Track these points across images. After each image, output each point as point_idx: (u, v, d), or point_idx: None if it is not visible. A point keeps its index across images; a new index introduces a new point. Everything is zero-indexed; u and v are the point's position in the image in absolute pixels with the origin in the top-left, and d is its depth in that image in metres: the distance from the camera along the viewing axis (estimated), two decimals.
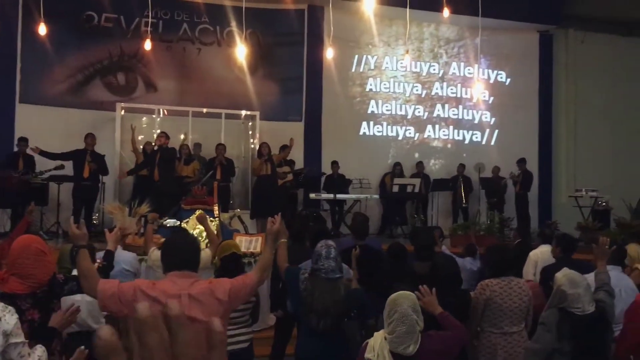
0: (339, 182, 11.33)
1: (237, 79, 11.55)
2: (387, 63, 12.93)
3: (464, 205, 11.86)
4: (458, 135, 13.37)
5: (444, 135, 13.31)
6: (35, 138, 9.42)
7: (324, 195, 11.11)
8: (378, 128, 12.90)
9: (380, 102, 12.90)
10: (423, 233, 5.65)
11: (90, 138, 9.52)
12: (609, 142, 13.59)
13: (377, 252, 5.18)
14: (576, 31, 13.73)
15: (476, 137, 13.44)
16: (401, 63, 12.87)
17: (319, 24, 11.83)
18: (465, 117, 13.42)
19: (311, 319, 3.65)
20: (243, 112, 11.52)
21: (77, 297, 3.20)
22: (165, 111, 11.19)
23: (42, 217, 9.41)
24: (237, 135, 11.71)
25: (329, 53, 8.93)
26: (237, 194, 11.28)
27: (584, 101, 13.73)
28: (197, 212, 6.21)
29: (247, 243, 7.06)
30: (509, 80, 13.61)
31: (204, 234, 5.73)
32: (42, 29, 7.85)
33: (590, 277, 3.80)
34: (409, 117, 13.09)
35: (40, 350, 2.66)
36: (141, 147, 10.39)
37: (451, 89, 13.35)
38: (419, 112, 13.15)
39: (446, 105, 13.32)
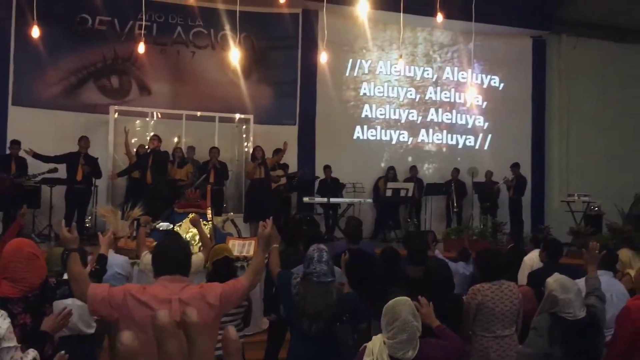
0: (332, 186, 11.33)
1: (231, 82, 11.55)
2: (381, 67, 12.96)
3: (454, 210, 11.89)
4: (451, 140, 13.40)
5: (438, 139, 13.34)
6: (28, 141, 9.37)
7: (318, 199, 11.11)
8: (372, 132, 12.92)
9: (374, 106, 12.93)
10: (416, 237, 5.68)
11: (83, 141, 9.49)
12: (601, 147, 13.65)
13: (371, 256, 5.18)
14: (569, 37, 13.82)
15: (469, 142, 13.48)
16: (395, 67, 12.91)
17: (313, 28, 11.84)
18: (459, 122, 13.46)
19: (303, 323, 3.65)
20: (237, 116, 11.50)
21: (68, 302, 3.17)
22: (159, 114, 11.16)
23: (34, 220, 9.38)
24: (230, 138, 11.70)
25: (323, 57, 8.94)
26: (230, 198, 11.27)
27: (576, 106, 13.80)
28: (190, 216, 6.20)
29: (240, 247, 7.05)
30: (502, 85, 13.67)
31: (197, 237, 5.71)
32: (35, 32, 7.80)
33: (581, 282, 3.82)
34: (402, 121, 13.12)
35: (32, 354, 2.65)
36: (134, 150, 10.37)
37: (445, 94, 13.40)
38: (412, 116, 13.18)
39: (440, 110, 13.36)
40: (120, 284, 3.76)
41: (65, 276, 3.15)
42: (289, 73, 12.26)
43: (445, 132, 13.37)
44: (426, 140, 13.28)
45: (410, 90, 13.20)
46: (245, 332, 4.30)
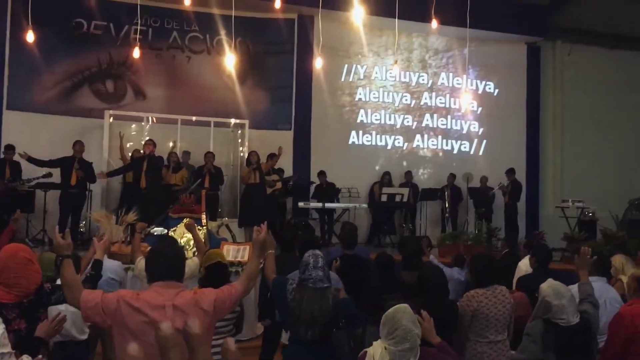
0: (327, 191, 11.34)
1: (227, 87, 11.57)
2: (376, 73, 13.00)
3: (446, 215, 11.91)
4: (446, 145, 13.44)
5: (433, 145, 13.38)
6: (22, 145, 9.34)
7: (313, 204, 11.12)
8: (367, 137, 12.94)
9: (369, 111, 12.96)
10: (411, 242, 5.70)
11: (78, 145, 9.45)
12: (595, 153, 13.72)
13: (365, 261, 5.19)
14: (563, 43, 13.91)
15: (464, 147, 13.52)
16: (390, 73, 12.95)
17: (308, 33, 11.88)
18: (454, 127, 13.50)
19: (299, 329, 3.64)
20: (232, 121, 11.50)
21: (62, 307, 3.16)
22: (154, 119, 11.15)
23: (28, 225, 9.34)
24: (226, 143, 11.70)
25: (319, 62, 8.94)
26: (225, 202, 11.25)
27: (570, 112, 13.87)
28: (185, 220, 6.19)
29: (235, 252, 7.04)
30: (497, 91, 13.73)
31: (192, 242, 5.70)
32: (30, 36, 7.79)
33: (574, 288, 3.83)
34: (397, 126, 13.15)
35: None
36: (129, 154, 10.35)
37: (440, 99, 13.44)
38: (407, 121, 13.22)
39: (435, 115, 13.40)
40: (114, 289, 3.75)
41: (59, 281, 3.14)
42: (285, 78, 12.28)
43: (440, 137, 13.41)
44: (421, 146, 13.31)
45: (406, 96, 13.23)
46: (237, 337, 4.30)
